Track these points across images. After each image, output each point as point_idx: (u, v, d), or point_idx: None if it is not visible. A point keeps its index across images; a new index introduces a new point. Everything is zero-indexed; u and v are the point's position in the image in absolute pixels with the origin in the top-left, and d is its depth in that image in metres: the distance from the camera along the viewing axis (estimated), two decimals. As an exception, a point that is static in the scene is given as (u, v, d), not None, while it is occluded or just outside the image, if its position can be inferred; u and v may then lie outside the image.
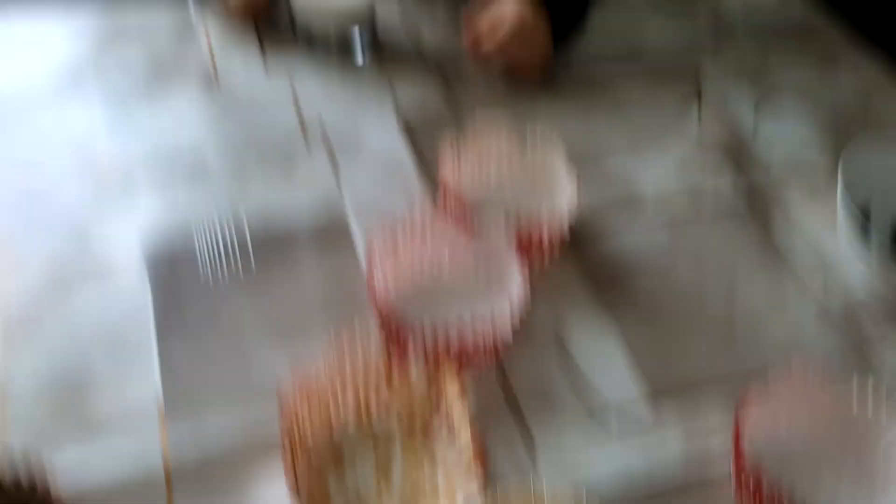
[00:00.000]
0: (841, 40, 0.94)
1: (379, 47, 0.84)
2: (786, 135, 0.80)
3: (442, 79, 0.81)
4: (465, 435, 0.51)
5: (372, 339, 0.57)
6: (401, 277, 0.60)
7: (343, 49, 0.82)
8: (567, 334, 0.61)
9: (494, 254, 0.60)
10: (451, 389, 0.53)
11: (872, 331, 0.63)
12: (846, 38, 0.94)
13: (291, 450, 0.47)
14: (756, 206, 0.73)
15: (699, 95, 0.83)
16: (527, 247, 0.62)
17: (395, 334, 0.56)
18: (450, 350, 0.54)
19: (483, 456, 0.49)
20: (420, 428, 0.54)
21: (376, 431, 0.53)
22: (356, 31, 0.81)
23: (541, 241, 0.63)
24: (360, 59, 0.82)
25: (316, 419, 0.51)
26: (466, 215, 0.62)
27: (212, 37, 0.83)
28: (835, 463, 0.54)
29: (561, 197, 0.65)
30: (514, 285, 0.57)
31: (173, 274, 0.61)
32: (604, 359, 0.59)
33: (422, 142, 0.74)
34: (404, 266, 0.61)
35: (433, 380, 0.53)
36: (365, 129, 0.75)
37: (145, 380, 0.54)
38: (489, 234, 0.60)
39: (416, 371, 0.53)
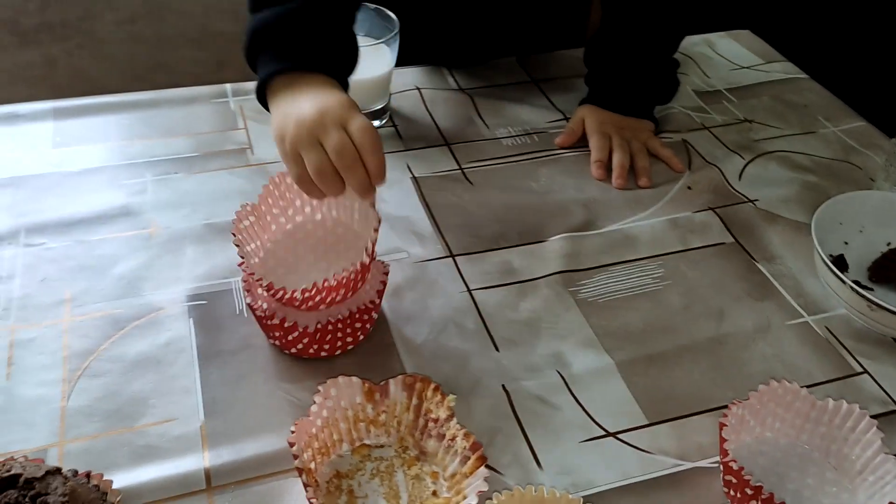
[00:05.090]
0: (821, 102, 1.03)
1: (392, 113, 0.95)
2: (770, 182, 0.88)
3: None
4: (460, 441, 0.54)
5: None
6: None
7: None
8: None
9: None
10: (433, 398, 0.56)
11: (848, 351, 0.69)
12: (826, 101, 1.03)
13: (306, 475, 0.50)
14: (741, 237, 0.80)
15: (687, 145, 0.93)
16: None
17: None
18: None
19: (482, 459, 0.53)
20: (411, 440, 0.58)
21: (373, 451, 0.58)
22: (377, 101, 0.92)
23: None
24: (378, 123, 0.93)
25: (316, 446, 0.55)
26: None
27: (248, 117, 0.94)
28: (810, 461, 0.59)
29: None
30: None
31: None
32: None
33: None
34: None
35: (413, 391, 0.57)
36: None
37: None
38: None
39: (394, 386, 0.57)
